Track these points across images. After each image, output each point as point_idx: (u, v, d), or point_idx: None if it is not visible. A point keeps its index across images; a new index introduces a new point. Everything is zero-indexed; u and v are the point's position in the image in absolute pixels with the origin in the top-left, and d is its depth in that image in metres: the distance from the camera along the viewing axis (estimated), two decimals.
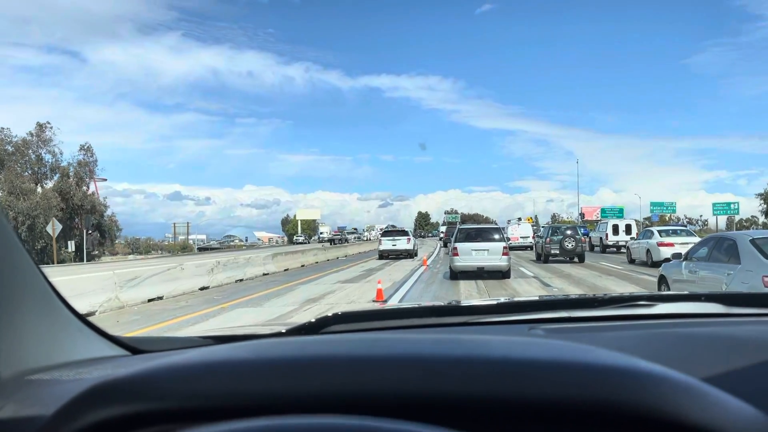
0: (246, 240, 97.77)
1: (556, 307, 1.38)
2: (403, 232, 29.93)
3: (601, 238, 31.29)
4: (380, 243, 29.36)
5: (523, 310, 1.35)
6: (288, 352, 0.57)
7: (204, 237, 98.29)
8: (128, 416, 0.50)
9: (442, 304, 1.46)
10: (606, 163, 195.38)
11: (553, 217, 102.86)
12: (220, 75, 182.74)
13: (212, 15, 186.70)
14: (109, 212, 50.37)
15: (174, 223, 72.11)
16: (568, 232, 22.74)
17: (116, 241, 62.87)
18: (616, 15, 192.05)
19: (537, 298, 1.59)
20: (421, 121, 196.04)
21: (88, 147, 49.49)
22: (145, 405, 0.50)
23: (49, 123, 47.18)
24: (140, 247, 67.30)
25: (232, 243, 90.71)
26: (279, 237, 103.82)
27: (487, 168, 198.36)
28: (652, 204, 69.64)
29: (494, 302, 1.38)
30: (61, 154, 47.07)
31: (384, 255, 28.46)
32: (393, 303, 11.55)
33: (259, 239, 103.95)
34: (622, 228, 30.19)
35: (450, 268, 16.14)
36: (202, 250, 78.81)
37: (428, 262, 22.97)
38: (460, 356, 0.53)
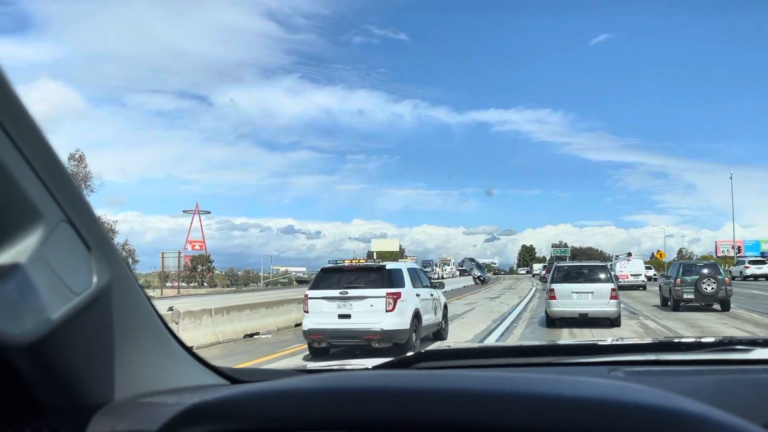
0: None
1: (642, 350, 1.36)
2: (377, 272, 9.63)
3: None
4: (306, 305, 9.56)
5: (607, 352, 1.34)
6: (351, 383, 0.65)
7: (304, 269, 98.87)
8: None
9: (529, 344, 1.37)
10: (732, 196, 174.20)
11: (680, 253, 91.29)
12: (333, 114, 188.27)
13: (328, 58, 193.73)
14: (121, 239, 42.51)
15: (192, 249, 63.49)
16: (706, 271, 17.42)
17: (215, 272, 63.76)
18: (740, 40, 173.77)
19: (622, 341, 1.55)
20: (530, 154, 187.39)
21: (79, 156, 40.20)
22: (228, 425, 0.61)
23: None
24: (239, 280, 68.19)
25: None
26: None
27: (599, 202, 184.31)
28: None
29: (579, 343, 1.39)
30: None
31: (318, 349, 9.52)
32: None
33: None
34: None
35: (546, 313, 13.83)
36: (302, 282, 78.88)
37: None
38: (502, 391, 0.58)
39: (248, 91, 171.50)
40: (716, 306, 17.38)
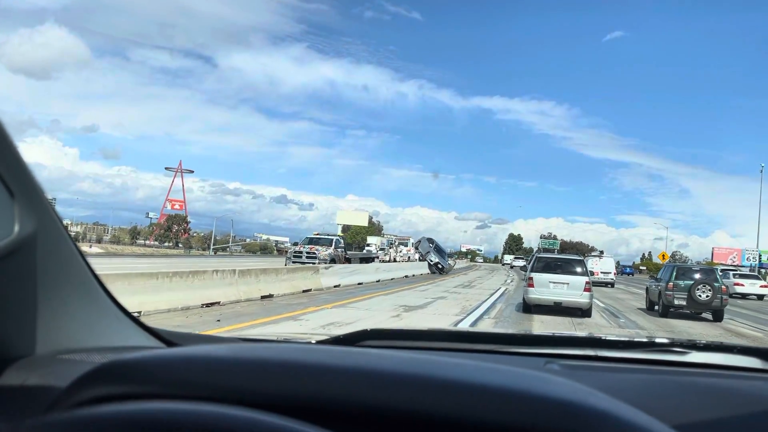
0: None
1: (582, 344, 1.39)
2: None
3: None
4: None
5: (547, 343, 1.37)
6: (271, 355, 0.64)
7: (287, 239, 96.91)
8: (125, 395, 0.60)
9: (476, 330, 2.09)
10: (724, 206, 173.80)
11: (674, 256, 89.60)
12: (337, 87, 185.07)
13: (338, 30, 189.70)
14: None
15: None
16: (701, 276, 15.46)
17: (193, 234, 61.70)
18: (750, 54, 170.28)
19: (565, 333, 1.55)
20: (530, 145, 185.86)
21: None
22: (140, 387, 0.60)
23: None
24: (217, 243, 66.22)
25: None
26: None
27: (593, 199, 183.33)
28: None
29: (520, 333, 1.43)
30: None
31: None
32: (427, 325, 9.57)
33: None
34: None
35: (523, 299, 14.51)
36: (281, 252, 77.29)
37: None
38: (414, 374, 0.58)
39: (254, 56, 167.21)
40: (706, 315, 15.60)
